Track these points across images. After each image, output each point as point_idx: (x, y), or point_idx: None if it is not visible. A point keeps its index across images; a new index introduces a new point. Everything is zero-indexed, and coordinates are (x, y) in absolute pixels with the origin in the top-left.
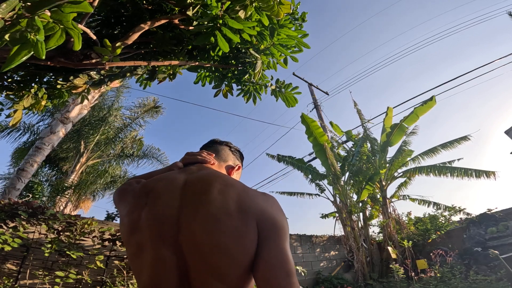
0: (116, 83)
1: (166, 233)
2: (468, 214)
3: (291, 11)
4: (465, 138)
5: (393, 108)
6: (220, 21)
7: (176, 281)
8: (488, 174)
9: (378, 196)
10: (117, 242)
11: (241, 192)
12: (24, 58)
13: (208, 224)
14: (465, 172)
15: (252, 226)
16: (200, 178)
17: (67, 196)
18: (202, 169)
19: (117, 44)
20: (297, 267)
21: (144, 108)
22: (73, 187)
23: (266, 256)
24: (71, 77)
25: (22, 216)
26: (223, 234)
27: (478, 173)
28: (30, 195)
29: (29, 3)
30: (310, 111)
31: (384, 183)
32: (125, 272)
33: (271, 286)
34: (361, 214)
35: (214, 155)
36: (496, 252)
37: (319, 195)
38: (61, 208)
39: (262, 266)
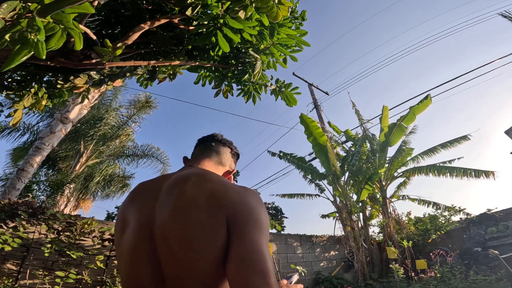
0: (117, 83)
1: (144, 228)
2: (468, 214)
3: (291, 10)
4: (465, 137)
5: (392, 109)
6: (221, 21)
7: (150, 274)
8: (487, 174)
9: (378, 196)
10: None
11: (216, 185)
12: (24, 58)
13: (177, 217)
14: (465, 172)
15: (220, 218)
16: (182, 174)
17: (65, 195)
18: (191, 168)
19: (118, 45)
20: (297, 267)
21: (138, 104)
22: (73, 182)
23: (239, 252)
24: (71, 77)
25: (22, 216)
26: (190, 227)
27: (478, 173)
28: (30, 195)
29: (31, 3)
30: (310, 111)
31: (384, 183)
32: None
33: (244, 286)
34: (361, 214)
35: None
36: (496, 252)
37: (319, 195)
38: (61, 208)
39: (233, 262)
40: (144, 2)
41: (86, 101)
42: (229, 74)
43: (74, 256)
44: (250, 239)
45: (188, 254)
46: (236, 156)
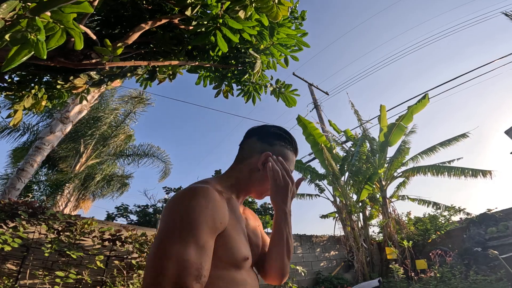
0: (116, 83)
1: None
2: (468, 214)
3: (291, 10)
4: (463, 135)
5: (391, 109)
6: (220, 21)
7: None
8: (484, 173)
9: (378, 196)
10: (117, 242)
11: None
12: (25, 58)
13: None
14: (462, 172)
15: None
16: None
17: (65, 195)
18: None
19: (117, 44)
20: (297, 267)
21: (131, 100)
22: (72, 182)
23: None
24: (71, 77)
25: (22, 216)
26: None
27: (475, 172)
28: (30, 195)
29: (30, 3)
30: (310, 111)
31: (383, 183)
32: (125, 272)
33: None
34: (361, 214)
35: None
36: (496, 252)
37: (319, 195)
38: (61, 208)
39: None
40: (144, 2)
41: (85, 101)
42: (229, 74)
43: (74, 256)
44: (155, 241)
45: None
46: (267, 137)
